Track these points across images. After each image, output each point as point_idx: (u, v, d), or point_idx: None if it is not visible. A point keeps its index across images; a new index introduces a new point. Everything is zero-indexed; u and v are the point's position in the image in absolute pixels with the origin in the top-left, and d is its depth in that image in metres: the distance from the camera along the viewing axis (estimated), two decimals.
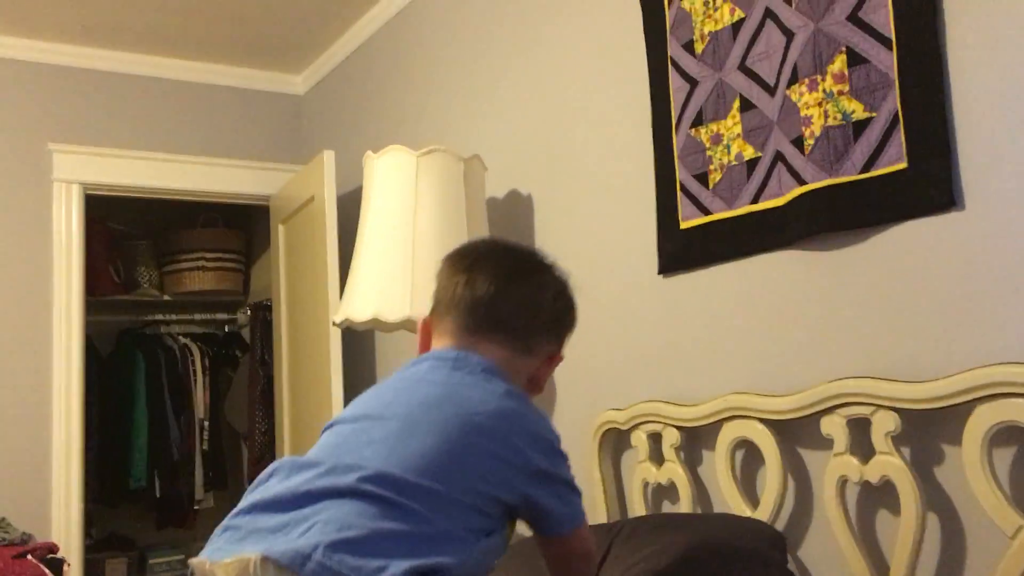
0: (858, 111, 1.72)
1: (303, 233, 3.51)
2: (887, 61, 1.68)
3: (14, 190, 3.57)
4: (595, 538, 1.46)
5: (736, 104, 1.98)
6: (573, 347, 2.44)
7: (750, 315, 1.97)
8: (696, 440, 2.07)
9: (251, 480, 1.29)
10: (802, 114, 1.81)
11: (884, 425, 1.61)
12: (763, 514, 1.83)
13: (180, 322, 4.83)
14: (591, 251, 2.43)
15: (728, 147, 1.99)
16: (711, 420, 1.95)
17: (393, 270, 2.42)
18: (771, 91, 1.90)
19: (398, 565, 1.04)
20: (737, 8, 1.98)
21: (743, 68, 1.96)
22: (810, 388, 1.74)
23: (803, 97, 1.80)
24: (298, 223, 3.59)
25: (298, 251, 3.58)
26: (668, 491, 2.12)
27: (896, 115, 1.66)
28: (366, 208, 2.57)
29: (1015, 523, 1.42)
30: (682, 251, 2.11)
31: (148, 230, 4.82)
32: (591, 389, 2.40)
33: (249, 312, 4.58)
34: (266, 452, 4.05)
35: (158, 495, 4.40)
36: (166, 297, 4.77)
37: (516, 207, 2.72)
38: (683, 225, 2.10)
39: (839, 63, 1.75)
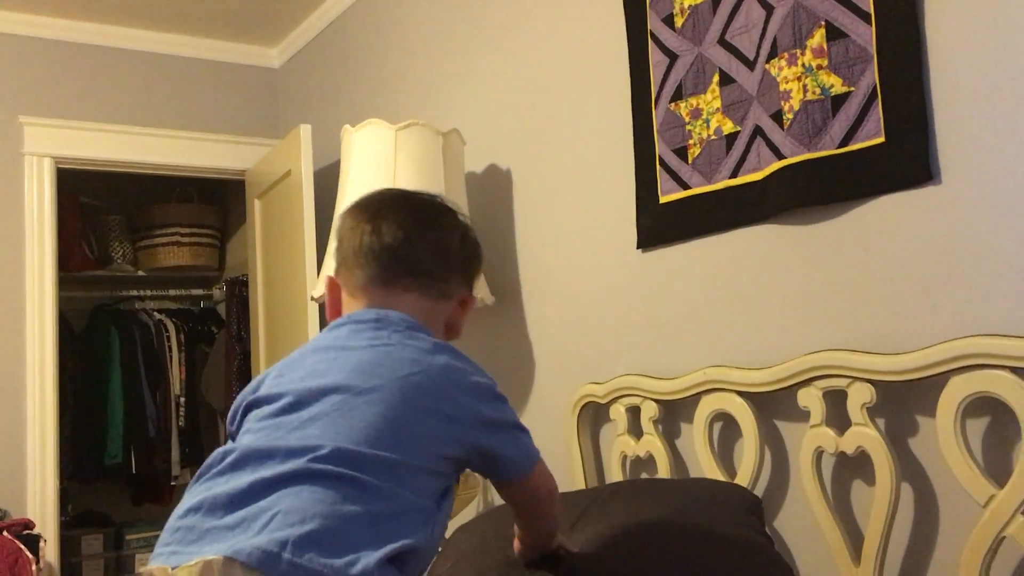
0: (837, 85, 1.73)
1: (280, 208, 3.49)
2: (866, 35, 1.69)
3: None
4: (570, 505, 1.47)
5: (715, 78, 1.98)
6: (552, 321, 2.46)
7: (728, 289, 1.98)
8: (674, 413, 2.09)
9: None
10: (781, 88, 1.81)
11: (860, 397, 1.63)
12: (740, 485, 1.85)
13: (155, 298, 4.79)
14: (570, 225, 2.43)
15: (707, 121, 2.00)
16: (689, 393, 1.97)
17: None
18: (750, 65, 1.90)
19: (369, 556, 1.00)
20: None
21: (723, 42, 1.96)
22: (787, 361, 1.76)
23: (782, 71, 1.81)
24: (275, 198, 3.56)
25: (275, 226, 3.56)
26: (646, 464, 2.14)
27: (874, 89, 1.67)
28: (344, 182, 2.56)
29: (987, 492, 1.45)
30: (661, 226, 2.12)
31: (122, 205, 4.77)
32: (570, 363, 2.41)
33: (224, 288, 4.55)
34: None
35: (134, 471, 4.38)
36: (140, 273, 4.73)
37: (495, 181, 2.71)
38: (662, 200, 2.11)
39: (818, 37, 1.75)
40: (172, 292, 4.85)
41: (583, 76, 2.39)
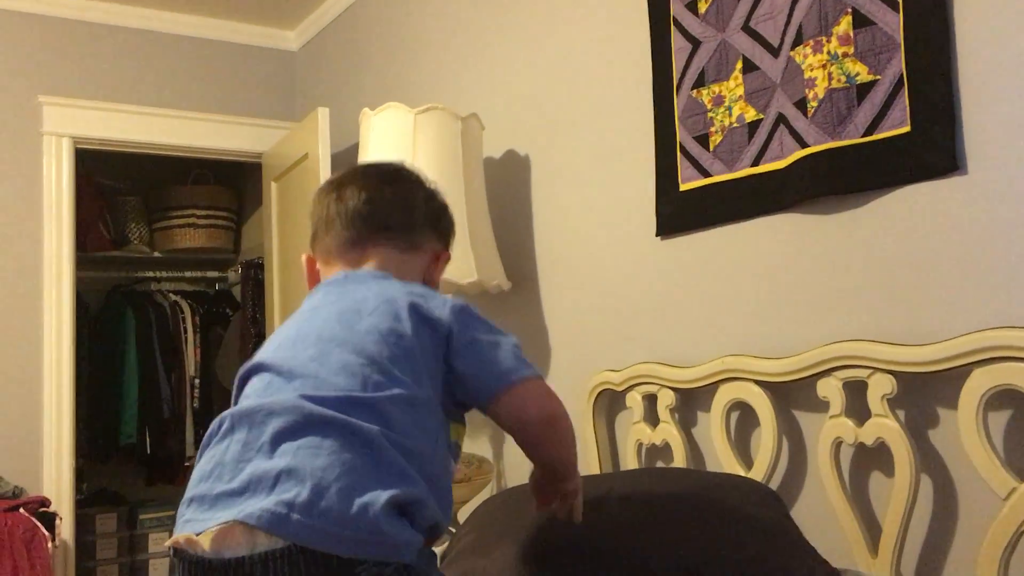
0: (863, 74, 1.71)
1: (296, 191, 3.49)
2: (893, 23, 1.67)
3: (3, 143, 3.52)
4: (591, 486, 1.44)
5: (739, 65, 1.96)
6: (570, 307, 2.46)
7: (748, 278, 1.97)
8: (691, 401, 2.08)
9: None
10: (806, 76, 1.79)
11: (880, 388, 1.62)
12: (757, 475, 1.85)
13: (170, 279, 4.81)
14: (589, 212, 2.42)
15: (730, 109, 1.98)
16: (707, 382, 1.96)
17: None
18: (775, 52, 1.88)
19: (375, 503, 1.00)
20: None
21: (746, 29, 1.95)
22: (807, 351, 1.75)
23: (807, 59, 1.79)
24: (291, 181, 3.56)
25: (291, 209, 3.56)
26: (662, 452, 2.14)
27: (901, 78, 1.65)
28: None
29: (1008, 486, 1.44)
30: (681, 213, 2.11)
31: (138, 186, 4.78)
32: (587, 350, 2.40)
33: (240, 270, 4.56)
34: None
35: (148, 452, 4.40)
36: (156, 254, 4.74)
37: (513, 167, 2.70)
38: (682, 187, 2.10)
39: (844, 25, 1.74)
40: (188, 274, 4.86)
41: (604, 62, 2.37)
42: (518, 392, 1.21)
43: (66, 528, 3.40)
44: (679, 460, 2.04)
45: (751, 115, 1.93)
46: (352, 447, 1.03)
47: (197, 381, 4.57)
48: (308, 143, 3.34)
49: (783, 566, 1.42)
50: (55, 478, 3.46)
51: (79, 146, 3.67)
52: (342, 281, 1.29)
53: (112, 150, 3.82)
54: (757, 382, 1.86)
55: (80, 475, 3.98)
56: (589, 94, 2.42)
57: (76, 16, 3.69)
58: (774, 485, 1.86)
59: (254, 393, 1.16)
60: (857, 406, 1.67)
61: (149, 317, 4.53)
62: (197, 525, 1.02)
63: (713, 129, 2.02)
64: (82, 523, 4.05)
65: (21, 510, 3.01)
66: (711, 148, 2.02)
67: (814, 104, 1.78)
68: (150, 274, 4.75)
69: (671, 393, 2.05)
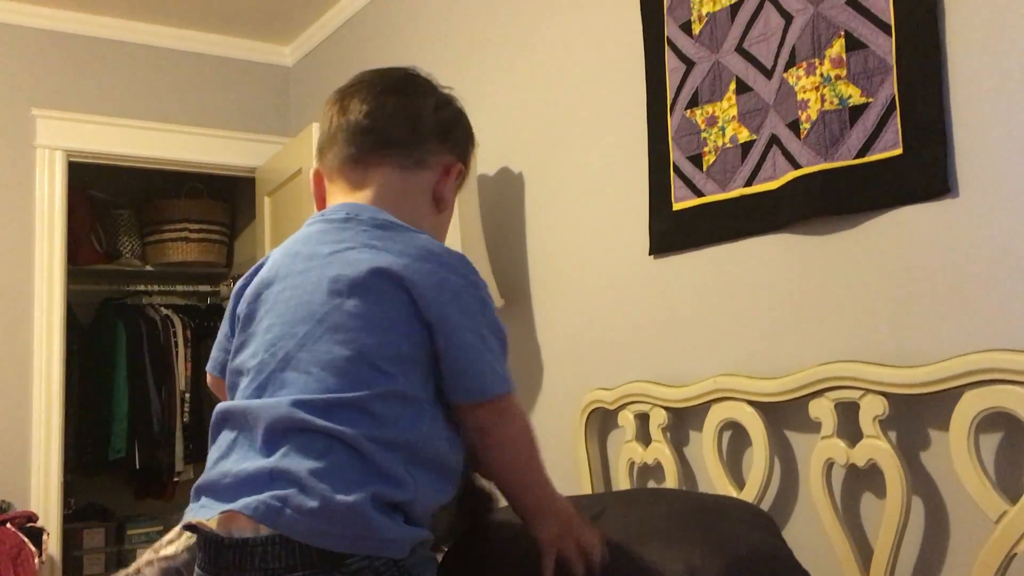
0: (855, 96, 1.72)
1: (289, 206, 3.49)
2: (886, 46, 1.68)
3: None
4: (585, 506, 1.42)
5: (732, 86, 1.97)
6: (562, 325, 2.46)
7: (741, 297, 1.97)
8: (683, 421, 2.08)
9: None
10: (799, 98, 1.80)
11: (872, 409, 1.62)
12: (749, 495, 1.84)
13: (162, 293, 4.79)
14: (582, 230, 2.42)
15: (723, 129, 1.99)
16: (699, 401, 1.96)
17: None
18: (768, 74, 1.90)
19: (360, 499, 1.02)
20: None
21: (740, 50, 1.96)
22: (799, 371, 1.75)
23: (800, 81, 1.80)
24: (285, 196, 3.56)
25: (284, 224, 3.56)
26: (654, 471, 2.14)
27: (893, 101, 1.66)
28: None
29: (999, 508, 1.44)
30: (674, 232, 2.11)
31: (131, 199, 4.76)
32: (579, 368, 2.40)
33: (232, 284, 4.54)
34: None
35: (137, 466, 4.38)
36: (148, 267, 4.73)
37: (507, 185, 2.71)
38: (676, 206, 2.10)
39: (837, 47, 1.75)
40: (180, 288, 4.84)
41: (599, 81, 2.38)
42: (494, 407, 1.15)
43: (53, 543, 3.37)
44: (671, 479, 2.04)
45: (744, 136, 1.94)
46: (334, 450, 1.05)
47: (188, 395, 4.55)
48: (302, 158, 3.34)
49: None
50: (43, 493, 3.44)
51: (72, 159, 3.67)
52: (340, 225, 1.20)
53: (105, 163, 3.82)
54: (749, 402, 1.86)
55: (68, 489, 3.96)
56: (583, 112, 2.43)
57: (70, 29, 3.70)
58: (766, 506, 1.86)
59: (249, 385, 1.15)
60: (849, 427, 1.68)
61: (140, 331, 4.51)
62: (208, 512, 1.08)
63: (706, 149, 2.03)
64: (69, 538, 4.02)
65: (8, 525, 2.99)
66: (704, 168, 2.03)
67: (807, 126, 1.79)
68: (142, 288, 4.73)
69: (663, 412, 2.05)
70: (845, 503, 1.74)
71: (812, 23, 1.78)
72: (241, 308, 1.24)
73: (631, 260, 2.24)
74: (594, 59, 2.40)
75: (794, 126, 1.82)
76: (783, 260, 1.88)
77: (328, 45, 3.86)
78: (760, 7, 1.91)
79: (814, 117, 1.77)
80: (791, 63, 1.82)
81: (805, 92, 1.79)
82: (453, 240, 2.43)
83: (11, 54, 3.58)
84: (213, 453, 1.15)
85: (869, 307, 1.72)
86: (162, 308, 4.67)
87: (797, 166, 1.81)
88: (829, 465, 1.71)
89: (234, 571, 1.04)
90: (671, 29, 2.12)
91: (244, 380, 1.17)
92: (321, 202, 1.32)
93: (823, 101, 1.76)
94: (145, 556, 1.56)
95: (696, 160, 2.05)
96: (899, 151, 1.65)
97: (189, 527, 1.12)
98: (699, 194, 2.04)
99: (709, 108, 2.02)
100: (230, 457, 1.11)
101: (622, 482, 2.17)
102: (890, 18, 1.68)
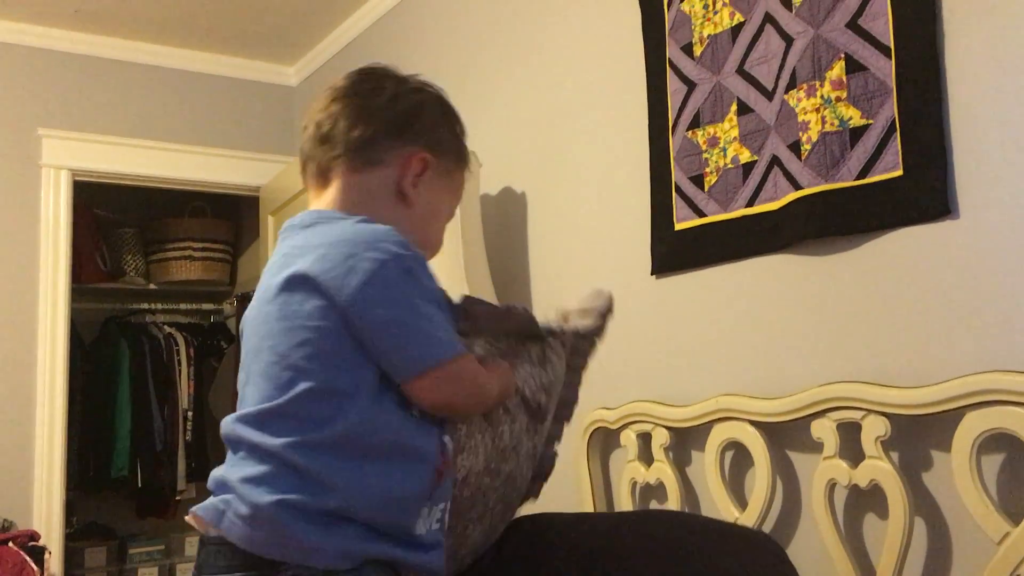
0: (855, 118, 1.73)
1: None
2: (886, 69, 1.69)
3: (2, 175, 3.53)
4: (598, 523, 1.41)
5: (733, 107, 1.99)
6: None
7: (742, 317, 1.98)
8: (685, 441, 2.08)
9: None
10: (800, 119, 1.82)
11: (874, 430, 1.62)
12: (751, 516, 1.84)
13: (165, 311, 4.80)
14: (584, 250, 2.43)
15: (724, 150, 2.00)
16: (701, 421, 1.96)
17: None
18: (769, 95, 1.91)
19: (272, 502, 1.04)
20: (737, 12, 1.99)
21: (741, 72, 1.97)
22: (801, 391, 1.76)
23: (801, 102, 1.81)
24: (288, 214, 3.54)
25: None
26: (656, 491, 2.13)
27: (893, 123, 1.68)
28: None
29: (1002, 529, 1.44)
30: (675, 252, 2.12)
31: (135, 217, 4.79)
32: (581, 387, 2.40)
33: (236, 303, 4.55)
34: None
35: (140, 485, 4.37)
36: (152, 286, 4.74)
37: (510, 204, 2.72)
38: (677, 227, 2.11)
39: (838, 69, 1.76)
40: (183, 306, 4.85)
41: (601, 102, 2.40)
42: (437, 375, 1.09)
43: (55, 562, 3.36)
44: (673, 499, 2.04)
45: (745, 156, 1.95)
46: (267, 461, 1.06)
47: (190, 414, 4.55)
48: None
49: None
50: (45, 511, 3.43)
51: (78, 178, 3.69)
52: (284, 235, 1.20)
53: (110, 182, 3.84)
54: (751, 422, 1.86)
55: (70, 508, 3.96)
56: (586, 133, 2.45)
57: (76, 50, 3.72)
58: (768, 526, 1.86)
59: (239, 404, 1.18)
60: (851, 447, 1.68)
61: (143, 349, 4.52)
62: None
63: (708, 170, 2.04)
64: (71, 557, 4.01)
65: (11, 544, 2.99)
66: (706, 188, 2.04)
67: (807, 147, 1.80)
68: (145, 306, 4.75)
69: (665, 432, 2.05)
70: (847, 524, 1.74)
71: (812, 45, 1.80)
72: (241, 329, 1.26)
73: (633, 280, 2.25)
74: (596, 80, 2.42)
75: (795, 147, 1.83)
76: (784, 280, 1.89)
77: (332, 65, 3.88)
78: (761, 29, 1.93)
79: (815, 138, 1.78)
80: (792, 85, 1.83)
81: (806, 114, 1.80)
82: (455, 259, 2.44)
83: (18, 74, 3.61)
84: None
85: (871, 328, 1.72)
86: (165, 326, 4.67)
87: (798, 187, 1.82)
88: (831, 485, 1.71)
89: (200, 565, 1.10)
90: (673, 51, 2.14)
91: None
92: None
93: (824, 123, 1.77)
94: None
95: (698, 180, 2.06)
96: (899, 173, 1.66)
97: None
98: (701, 214, 2.05)
99: (710, 129, 2.04)
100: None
101: (624, 502, 2.17)
102: (890, 41, 1.69)
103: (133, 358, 4.47)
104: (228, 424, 1.13)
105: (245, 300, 4.35)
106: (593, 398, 2.32)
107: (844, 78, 1.75)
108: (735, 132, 1.98)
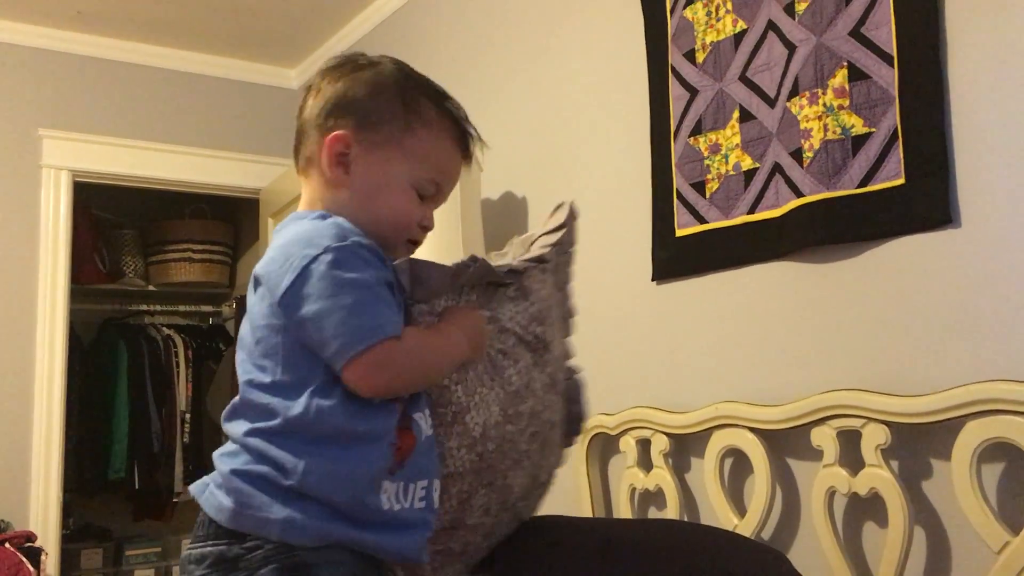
0: (857, 126, 1.73)
1: None
2: (888, 77, 1.70)
3: (2, 175, 3.53)
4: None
5: (735, 114, 1.99)
6: None
7: (743, 324, 1.98)
8: (685, 447, 2.08)
9: None
10: (802, 127, 1.82)
11: (874, 438, 1.62)
12: (750, 523, 1.84)
13: (164, 313, 4.80)
14: (585, 256, 2.42)
15: (726, 157, 2.00)
16: (701, 428, 1.96)
17: None
18: (771, 103, 1.91)
19: (239, 462, 1.09)
20: (739, 19, 1.99)
21: (744, 79, 1.97)
22: (801, 399, 1.76)
23: (803, 110, 1.82)
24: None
25: None
26: (655, 497, 2.13)
27: (895, 131, 1.68)
28: None
29: (1002, 539, 1.44)
30: (676, 259, 2.12)
31: (135, 219, 4.78)
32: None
33: (235, 305, 4.55)
34: None
35: (137, 487, 4.36)
36: (151, 287, 4.74)
37: (511, 209, 2.72)
38: (678, 233, 2.11)
39: (840, 78, 1.76)
40: (182, 308, 4.85)
41: (603, 108, 2.40)
42: (362, 366, 1.06)
43: (51, 564, 3.35)
44: (672, 506, 2.04)
45: (747, 163, 1.96)
46: (232, 444, 1.13)
47: (188, 416, 4.54)
48: None
49: None
50: (42, 512, 3.42)
51: (78, 179, 3.69)
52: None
53: (110, 183, 3.84)
54: (751, 429, 1.86)
55: (67, 509, 3.95)
56: (587, 138, 2.45)
57: (77, 51, 3.72)
58: (767, 533, 1.86)
59: None
60: (851, 455, 1.68)
61: (141, 350, 4.51)
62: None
63: (710, 176, 2.04)
64: (67, 559, 4.00)
65: (7, 545, 2.98)
66: (707, 195, 2.04)
67: (809, 155, 1.80)
68: (144, 307, 4.74)
69: (665, 438, 2.05)
70: (847, 532, 1.74)
71: (815, 53, 1.80)
72: None
73: (634, 286, 2.25)
74: (598, 86, 2.42)
75: (797, 155, 1.83)
76: (785, 288, 1.89)
77: None
78: (763, 37, 1.93)
79: (817, 146, 1.78)
80: (794, 92, 1.84)
81: (808, 121, 1.81)
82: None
83: (19, 75, 3.61)
84: None
85: (871, 336, 1.72)
86: (164, 328, 4.67)
87: (800, 194, 1.82)
88: (831, 493, 1.71)
89: (192, 538, 1.15)
90: (675, 57, 2.14)
91: None
92: None
93: (826, 130, 1.77)
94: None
95: (699, 187, 2.06)
96: (901, 181, 1.66)
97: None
98: (702, 221, 2.05)
99: (712, 136, 2.04)
100: None
101: (623, 508, 2.16)
102: (893, 49, 1.69)
103: (131, 360, 4.46)
104: (220, 421, 1.20)
105: (243, 303, 4.35)
106: (593, 404, 2.32)
107: (847, 86, 1.75)
108: (737, 139, 1.98)
